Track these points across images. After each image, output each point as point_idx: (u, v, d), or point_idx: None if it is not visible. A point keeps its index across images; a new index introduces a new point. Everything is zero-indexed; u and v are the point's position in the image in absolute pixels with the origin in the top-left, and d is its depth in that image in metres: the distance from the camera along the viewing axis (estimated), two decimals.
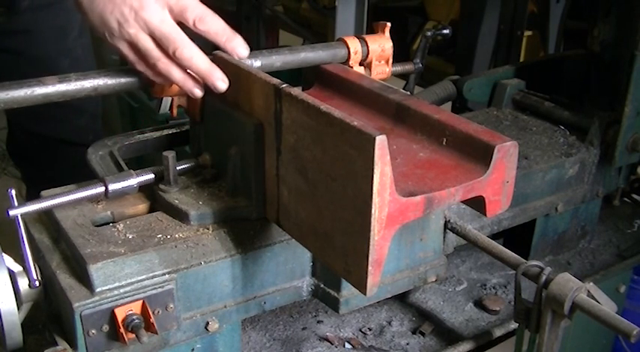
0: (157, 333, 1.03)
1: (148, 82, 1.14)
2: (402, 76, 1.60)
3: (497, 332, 1.43)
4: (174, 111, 1.24)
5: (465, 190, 1.00)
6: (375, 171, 0.84)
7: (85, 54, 1.97)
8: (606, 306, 1.08)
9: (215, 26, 1.13)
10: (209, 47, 1.15)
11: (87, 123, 2.02)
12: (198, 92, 1.13)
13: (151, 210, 1.18)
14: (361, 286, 0.92)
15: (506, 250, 1.23)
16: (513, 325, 1.41)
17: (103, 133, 2.04)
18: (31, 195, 2.07)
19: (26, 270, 1.02)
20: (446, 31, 1.65)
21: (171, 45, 1.07)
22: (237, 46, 1.15)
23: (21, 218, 1.02)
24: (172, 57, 1.08)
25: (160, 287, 1.04)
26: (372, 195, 0.85)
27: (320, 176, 0.96)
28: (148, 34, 1.07)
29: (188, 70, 1.11)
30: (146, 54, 1.08)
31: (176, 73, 1.10)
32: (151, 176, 1.16)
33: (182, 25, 1.11)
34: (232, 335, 1.19)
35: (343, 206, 0.92)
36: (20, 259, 1.02)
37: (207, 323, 1.13)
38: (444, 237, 1.33)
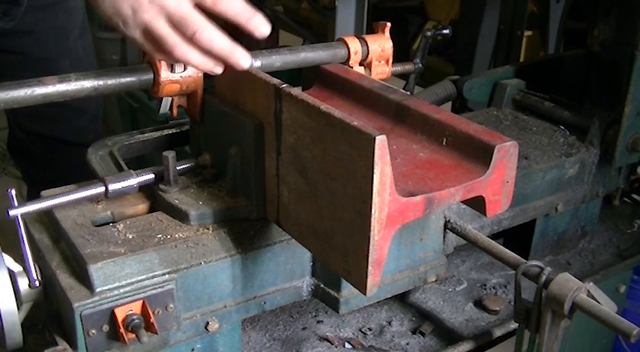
0: (157, 333, 1.03)
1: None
2: (402, 76, 1.60)
3: (497, 332, 1.42)
4: (174, 111, 1.24)
5: (465, 190, 1.00)
6: (375, 171, 0.84)
7: (85, 54, 1.97)
8: (606, 306, 1.08)
9: (234, 6, 1.09)
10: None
11: (87, 123, 2.02)
12: (219, 70, 1.09)
13: (151, 210, 1.18)
14: (361, 286, 0.92)
15: (506, 250, 1.23)
16: (513, 325, 1.41)
17: (103, 133, 2.04)
18: (32, 195, 2.07)
19: (26, 270, 1.02)
20: (446, 31, 1.66)
21: (189, 28, 1.02)
22: (258, 26, 1.08)
23: (21, 218, 1.02)
24: (191, 40, 1.05)
25: (160, 287, 1.04)
26: (372, 195, 0.85)
27: (320, 176, 0.96)
28: (164, 18, 1.04)
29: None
30: (163, 40, 1.04)
31: (195, 57, 1.05)
32: (151, 176, 1.16)
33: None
34: (232, 335, 1.19)
35: (343, 206, 0.92)
36: (20, 259, 1.02)
37: (207, 323, 1.13)
38: (444, 237, 1.33)
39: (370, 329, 1.44)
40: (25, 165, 2.17)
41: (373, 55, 1.35)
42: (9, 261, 1.01)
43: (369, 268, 0.89)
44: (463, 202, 1.04)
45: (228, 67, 1.08)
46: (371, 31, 1.40)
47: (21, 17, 1.74)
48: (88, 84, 1.10)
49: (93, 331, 0.99)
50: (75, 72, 1.12)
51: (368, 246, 0.88)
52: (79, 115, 1.98)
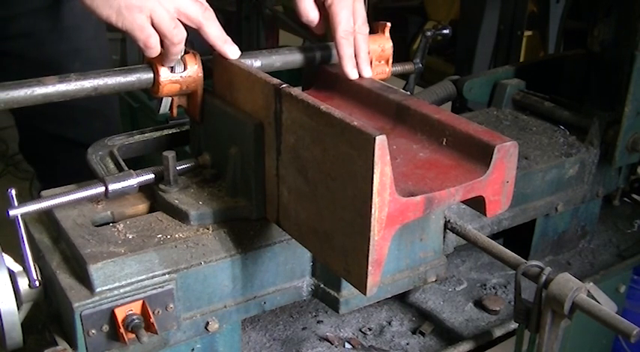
0: (157, 333, 1.03)
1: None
2: (402, 76, 1.60)
3: (497, 332, 1.43)
4: (174, 111, 1.24)
5: (465, 190, 1.00)
6: (375, 171, 0.84)
7: (100, 55, 1.92)
8: (606, 306, 1.08)
9: (214, 31, 1.13)
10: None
11: (101, 125, 2.00)
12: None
13: (151, 210, 1.18)
14: (361, 286, 0.92)
15: (506, 250, 1.23)
16: (513, 325, 1.41)
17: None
18: None
19: (26, 270, 1.02)
20: (446, 31, 1.65)
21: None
22: (229, 51, 1.16)
23: (21, 218, 1.02)
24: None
25: (160, 287, 1.04)
26: (372, 195, 0.85)
27: (320, 176, 0.96)
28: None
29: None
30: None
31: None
32: (151, 176, 1.16)
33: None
34: (232, 335, 1.19)
35: (343, 206, 0.92)
36: (20, 259, 1.02)
37: (207, 323, 1.13)
38: (444, 237, 1.33)
39: (370, 329, 1.44)
40: (38, 166, 2.16)
41: (373, 55, 1.35)
42: (9, 261, 1.01)
43: (369, 268, 0.89)
44: (463, 202, 1.04)
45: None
46: (371, 31, 1.40)
47: (18, 20, 1.73)
48: (87, 84, 1.10)
49: (93, 331, 0.99)
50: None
51: (368, 246, 0.88)
52: (91, 117, 1.96)
